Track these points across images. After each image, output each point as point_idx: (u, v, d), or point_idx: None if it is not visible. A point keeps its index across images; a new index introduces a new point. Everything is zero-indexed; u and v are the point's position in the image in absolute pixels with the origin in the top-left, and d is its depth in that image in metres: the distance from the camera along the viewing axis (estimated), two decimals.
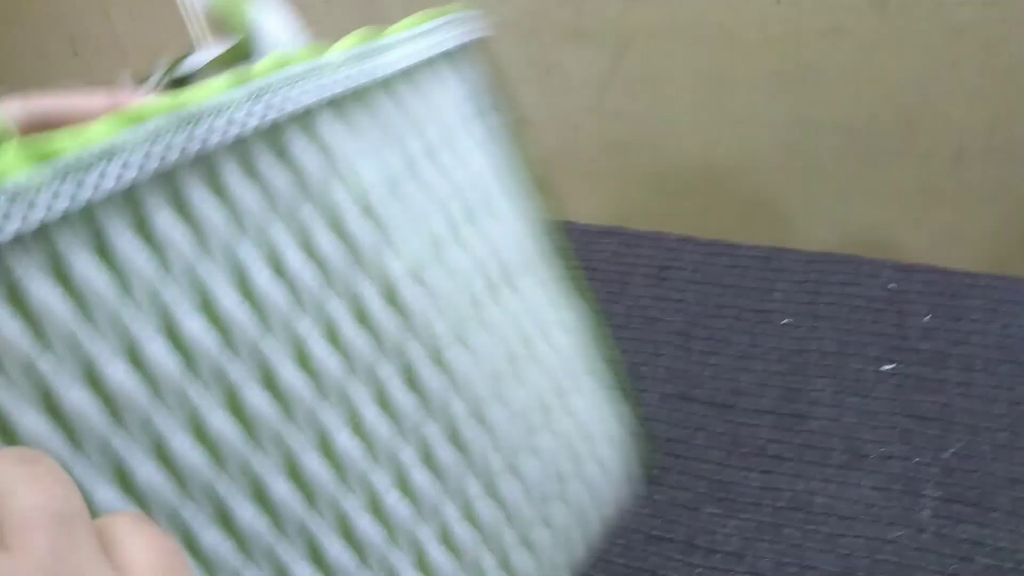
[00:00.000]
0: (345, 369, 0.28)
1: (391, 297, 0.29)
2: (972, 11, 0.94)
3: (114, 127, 0.23)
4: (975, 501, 0.55)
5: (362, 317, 0.28)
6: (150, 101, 0.24)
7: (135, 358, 0.23)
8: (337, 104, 0.28)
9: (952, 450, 0.58)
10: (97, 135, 0.22)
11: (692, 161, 1.19)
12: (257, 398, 0.25)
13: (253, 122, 0.25)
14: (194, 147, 0.24)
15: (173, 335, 0.24)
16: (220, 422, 0.25)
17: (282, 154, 0.26)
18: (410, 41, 0.32)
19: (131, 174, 0.22)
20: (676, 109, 1.15)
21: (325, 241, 0.27)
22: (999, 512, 0.55)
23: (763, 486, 0.58)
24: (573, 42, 1.16)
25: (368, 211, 0.28)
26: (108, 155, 0.22)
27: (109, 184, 0.22)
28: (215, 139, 0.24)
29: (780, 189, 1.16)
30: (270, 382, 0.26)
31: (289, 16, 0.32)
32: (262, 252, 0.25)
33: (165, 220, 0.24)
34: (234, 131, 0.24)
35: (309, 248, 0.26)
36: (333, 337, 0.27)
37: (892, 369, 0.64)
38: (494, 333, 0.33)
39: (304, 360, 0.27)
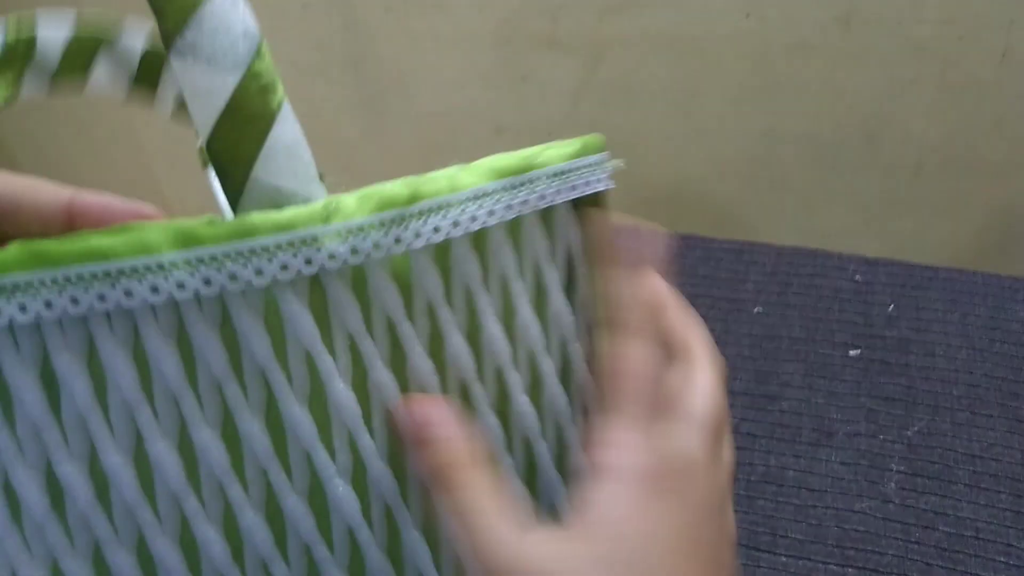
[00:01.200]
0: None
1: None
2: (931, 29, 0.99)
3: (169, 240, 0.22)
4: (937, 475, 0.58)
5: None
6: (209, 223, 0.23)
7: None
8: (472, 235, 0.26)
9: (915, 428, 0.61)
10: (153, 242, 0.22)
11: (663, 171, 1.22)
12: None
13: (383, 253, 0.24)
14: (309, 270, 0.23)
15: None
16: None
17: (400, 278, 0.25)
18: (551, 178, 0.30)
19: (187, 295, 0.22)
20: (648, 120, 1.19)
21: (421, 359, 0.26)
22: (959, 484, 0.57)
23: (738, 462, 0.61)
24: (548, 51, 1.19)
25: (471, 336, 0.27)
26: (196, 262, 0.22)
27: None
28: (334, 266, 0.23)
29: (748, 198, 1.20)
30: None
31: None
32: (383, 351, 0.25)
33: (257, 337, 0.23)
34: (358, 260, 0.24)
35: (398, 363, 0.26)
36: None
37: (858, 354, 0.67)
38: None
39: None
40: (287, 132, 0.25)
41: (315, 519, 0.26)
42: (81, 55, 0.34)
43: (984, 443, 0.60)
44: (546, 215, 0.29)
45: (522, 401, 0.29)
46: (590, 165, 0.32)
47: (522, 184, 0.27)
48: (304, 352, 0.24)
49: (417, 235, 0.25)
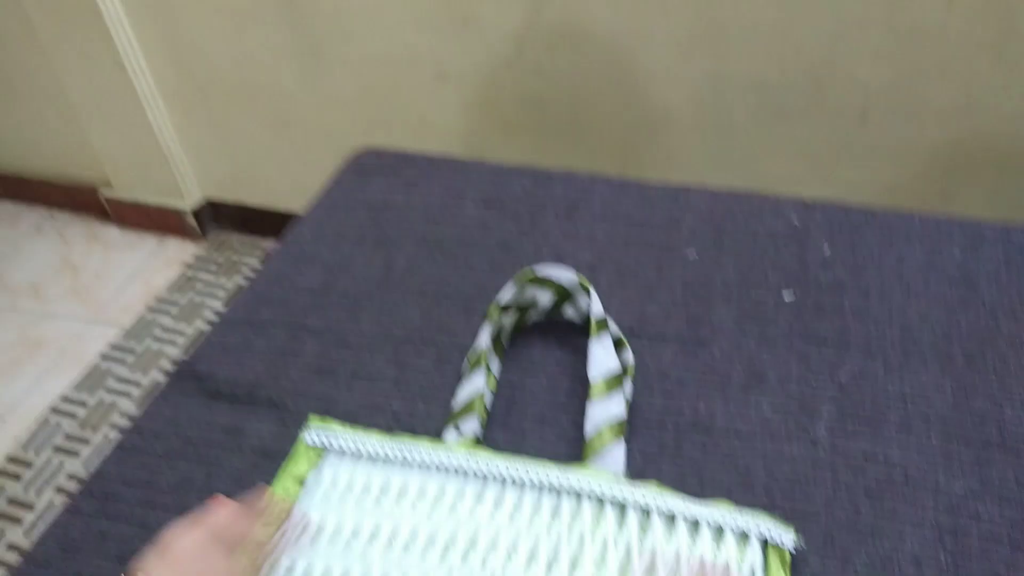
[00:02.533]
0: None
1: None
2: None
3: None
4: (868, 418, 0.57)
5: None
6: None
7: None
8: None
9: (847, 371, 0.60)
10: None
11: (609, 118, 1.19)
12: None
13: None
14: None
15: None
16: None
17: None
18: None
19: None
20: (593, 65, 1.15)
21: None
22: (890, 427, 0.56)
23: (665, 408, 0.59)
24: None
25: None
26: None
27: None
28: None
29: (693, 144, 1.17)
30: None
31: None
32: None
33: None
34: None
35: None
36: None
37: (792, 297, 0.65)
38: None
39: None
40: None
41: None
42: (558, 306, 0.64)
43: (916, 385, 0.58)
44: None
45: None
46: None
47: None
48: None
49: None
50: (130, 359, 1.60)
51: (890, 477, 0.54)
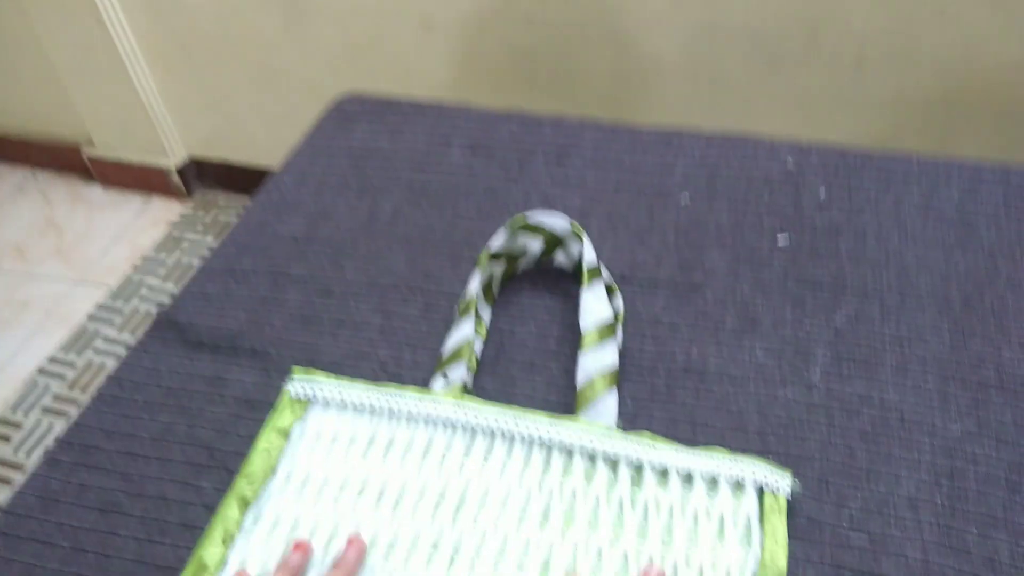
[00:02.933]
0: None
1: None
2: None
3: None
4: (863, 360, 0.56)
5: None
6: None
7: None
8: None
9: (843, 315, 0.58)
10: None
11: (599, 68, 1.16)
12: None
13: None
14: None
15: None
16: None
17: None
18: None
19: None
20: (586, 14, 1.12)
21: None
22: (886, 369, 0.55)
23: (658, 353, 0.57)
24: None
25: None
26: None
27: None
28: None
29: (686, 94, 1.15)
30: None
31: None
32: None
33: None
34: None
35: None
36: None
37: (787, 241, 0.64)
38: None
39: None
40: None
41: None
42: (549, 252, 0.63)
43: (913, 327, 0.57)
44: None
45: None
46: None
47: None
48: None
49: None
50: (117, 319, 1.58)
51: (886, 420, 0.53)
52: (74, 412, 1.40)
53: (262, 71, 1.44)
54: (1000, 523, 0.47)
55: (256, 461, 0.50)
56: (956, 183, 0.66)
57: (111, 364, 1.48)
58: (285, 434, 0.52)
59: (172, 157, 1.77)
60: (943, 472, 0.50)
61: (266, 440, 0.52)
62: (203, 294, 0.64)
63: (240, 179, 1.75)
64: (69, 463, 0.54)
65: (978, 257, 0.61)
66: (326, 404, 0.53)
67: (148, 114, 1.66)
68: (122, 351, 1.50)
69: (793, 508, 0.48)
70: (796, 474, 0.49)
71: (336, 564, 0.45)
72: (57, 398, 1.43)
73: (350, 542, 0.46)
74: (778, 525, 0.45)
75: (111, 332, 1.55)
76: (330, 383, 0.54)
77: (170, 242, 1.79)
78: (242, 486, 0.49)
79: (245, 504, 0.49)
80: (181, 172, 1.80)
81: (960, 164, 0.68)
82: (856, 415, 0.53)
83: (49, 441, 1.36)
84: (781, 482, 0.47)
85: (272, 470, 0.51)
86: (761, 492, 0.47)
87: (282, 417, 0.53)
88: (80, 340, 1.57)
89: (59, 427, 1.38)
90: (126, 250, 1.78)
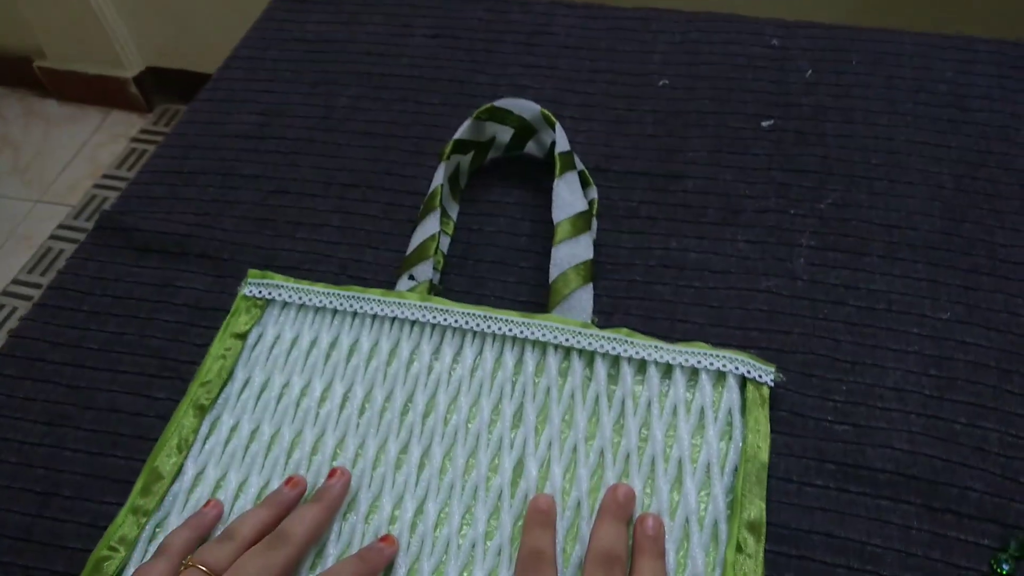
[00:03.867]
0: None
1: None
2: None
3: None
4: (850, 248, 0.53)
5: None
6: None
7: None
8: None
9: (829, 201, 0.55)
10: None
11: None
12: None
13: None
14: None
15: None
16: None
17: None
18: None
19: None
20: None
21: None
22: (873, 257, 0.52)
23: (635, 247, 0.54)
24: None
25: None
26: None
27: None
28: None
29: None
30: None
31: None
32: None
33: None
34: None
35: None
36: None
37: (771, 125, 0.60)
38: None
39: None
40: None
41: None
42: (520, 142, 0.59)
43: (902, 212, 0.54)
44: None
45: None
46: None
47: None
48: None
49: None
50: (82, 239, 1.53)
51: (872, 309, 0.50)
52: None
53: None
54: (989, 412, 0.46)
55: (212, 367, 0.48)
56: (950, 60, 0.62)
57: None
58: (242, 339, 0.49)
59: (129, 67, 1.69)
60: (931, 361, 0.48)
61: (221, 345, 0.48)
62: (148, 197, 0.60)
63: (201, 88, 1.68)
64: (12, 376, 0.51)
65: (971, 138, 0.58)
66: (285, 307, 0.50)
67: (100, 22, 1.57)
68: None
69: (776, 401, 0.46)
70: (779, 367, 0.47)
71: (318, 495, 0.42)
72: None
73: (333, 473, 0.43)
74: (760, 417, 0.43)
75: None
76: (288, 285, 0.50)
77: (132, 157, 1.72)
78: (198, 393, 0.47)
79: (202, 411, 0.46)
80: (140, 83, 1.72)
81: (954, 39, 0.64)
82: (841, 305, 0.51)
83: None
84: (764, 374, 0.45)
85: (229, 376, 0.48)
86: (743, 384, 0.45)
87: (238, 321, 0.50)
88: (44, 261, 1.52)
89: None
90: (86, 167, 1.71)
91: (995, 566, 0.41)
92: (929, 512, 0.42)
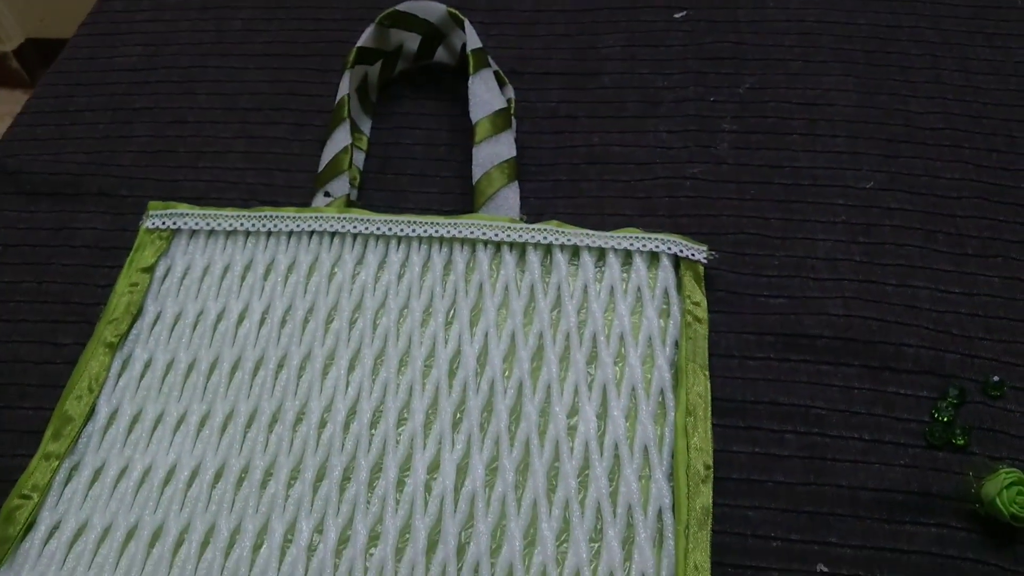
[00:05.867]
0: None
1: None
2: None
3: None
4: (771, 129, 0.53)
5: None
6: None
7: None
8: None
9: (747, 85, 0.55)
10: None
11: None
12: None
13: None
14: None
15: None
16: None
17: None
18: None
19: None
20: None
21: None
22: (795, 135, 0.52)
23: (557, 147, 0.53)
24: None
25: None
26: None
27: None
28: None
29: None
30: None
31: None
32: None
33: None
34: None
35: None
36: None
37: (684, 16, 0.59)
38: None
39: None
40: None
41: None
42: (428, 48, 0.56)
43: (819, 90, 0.54)
44: None
45: None
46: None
47: None
48: None
49: None
50: None
51: (798, 185, 0.50)
52: None
53: None
54: (918, 271, 0.46)
55: (119, 303, 0.44)
56: None
57: None
58: (149, 272, 0.46)
59: (7, 41, 1.57)
60: (859, 229, 0.48)
61: (127, 281, 0.45)
62: (33, 138, 0.55)
63: None
64: None
65: (880, 13, 0.58)
66: (193, 236, 0.47)
67: None
68: None
69: (711, 281, 0.46)
70: (711, 247, 0.47)
71: None
72: None
73: None
74: (696, 293, 0.43)
75: None
76: (195, 212, 0.47)
77: None
78: (105, 331, 0.43)
79: (111, 349, 0.43)
80: (20, 56, 1.60)
81: None
82: (768, 184, 0.50)
83: None
84: (696, 252, 0.44)
85: (139, 311, 0.45)
86: (677, 264, 0.44)
87: (143, 256, 0.46)
88: None
89: None
90: None
91: (936, 415, 0.41)
92: (868, 371, 0.43)
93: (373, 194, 0.51)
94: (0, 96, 1.67)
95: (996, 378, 0.42)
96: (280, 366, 0.42)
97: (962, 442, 0.40)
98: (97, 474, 0.40)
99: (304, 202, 0.51)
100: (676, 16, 0.59)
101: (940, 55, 0.56)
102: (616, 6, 0.60)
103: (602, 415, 0.39)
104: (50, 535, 0.38)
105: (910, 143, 0.51)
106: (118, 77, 0.58)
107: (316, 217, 0.46)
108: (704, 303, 0.43)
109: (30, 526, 0.38)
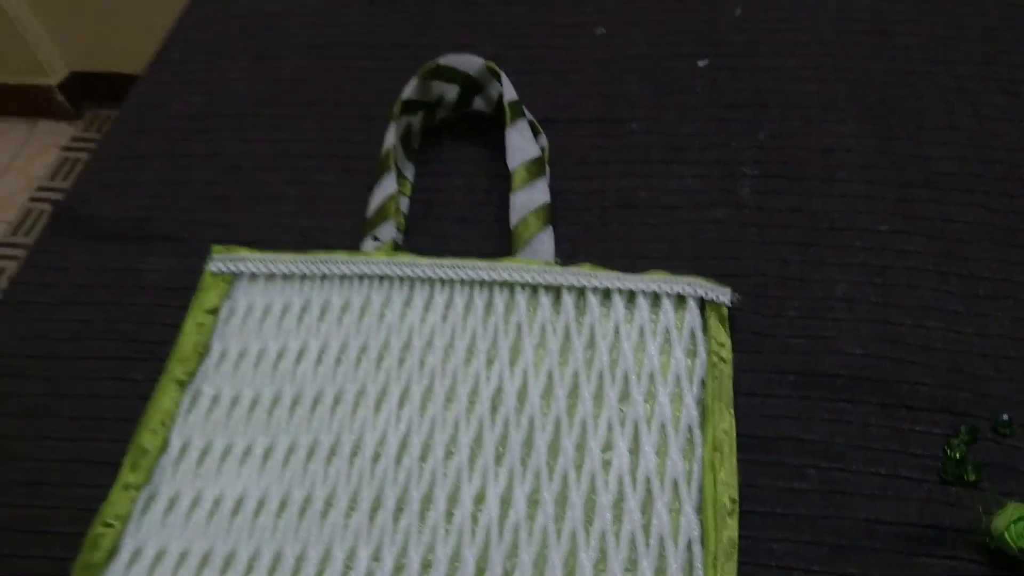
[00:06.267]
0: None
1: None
2: None
3: None
4: (790, 174, 0.56)
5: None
6: None
7: None
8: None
9: (766, 131, 0.58)
10: None
11: None
12: None
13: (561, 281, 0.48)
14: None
15: None
16: None
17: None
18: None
19: None
20: None
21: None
22: (813, 180, 0.55)
23: (587, 191, 0.56)
24: None
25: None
26: None
27: None
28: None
29: None
30: None
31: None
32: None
33: None
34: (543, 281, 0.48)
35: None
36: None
37: (706, 64, 0.62)
38: None
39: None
40: None
41: None
42: (466, 98, 0.60)
43: (836, 136, 0.57)
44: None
45: None
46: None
47: None
48: None
49: None
50: (23, 256, 1.50)
51: (816, 228, 0.53)
52: None
53: None
54: (932, 312, 0.49)
55: (187, 343, 0.48)
56: None
57: None
58: (214, 313, 0.50)
59: (52, 74, 1.63)
60: (875, 271, 0.51)
61: (194, 321, 0.49)
62: (101, 184, 0.59)
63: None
64: None
65: (895, 60, 0.61)
66: (252, 279, 0.51)
67: (17, 28, 1.52)
68: None
69: (734, 322, 0.49)
70: (734, 289, 0.50)
71: None
72: None
73: None
74: (722, 334, 0.46)
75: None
76: (254, 257, 0.51)
77: (66, 167, 1.67)
78: (176, 369, 0.47)
79: (181, 386, 0.47)
80: (65, 90, 1.66)
81: None
82: (787, 227, 0.53)
83: None
84: (721, 295, 0.47)
85: (205, 350, 0.48)
86: (703, 306, 0.47)
87: (208, 297, 0.50)
88: None
89: None
90: (19, 181, 1.66)
91: (949, 452, 0.44)
92: (884, 409, 0.46)
93: (417, 238, 0.55)
94: (46, 128, 1.73)
95: (1006, 417, 0.45)
96: (336, 402, 0.46)
97: (974, 478, 0.43)
98: (172, 503, 0.43)
99: (352, 243, 0.54)
100: (699, 64, 0.62)
101: (953, 101, 0.58)
102: (642, 55, 0.63)
103: (634, 450, 0.43)
104: (132, 561, 0.41)
105: (924, 188, 0.54)
106: (178, 124, 0.62)
107: (366, 261, 0.50)
108: (728, 344, 0.46)
109: (113, 552, 0.42)
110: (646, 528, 0.40)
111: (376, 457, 0.43)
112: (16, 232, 1.54)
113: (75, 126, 1.71)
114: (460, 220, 0.56)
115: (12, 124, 1.72)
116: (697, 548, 0.39)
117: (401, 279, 0.49)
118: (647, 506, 0.41)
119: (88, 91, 1.68)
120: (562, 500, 0.41)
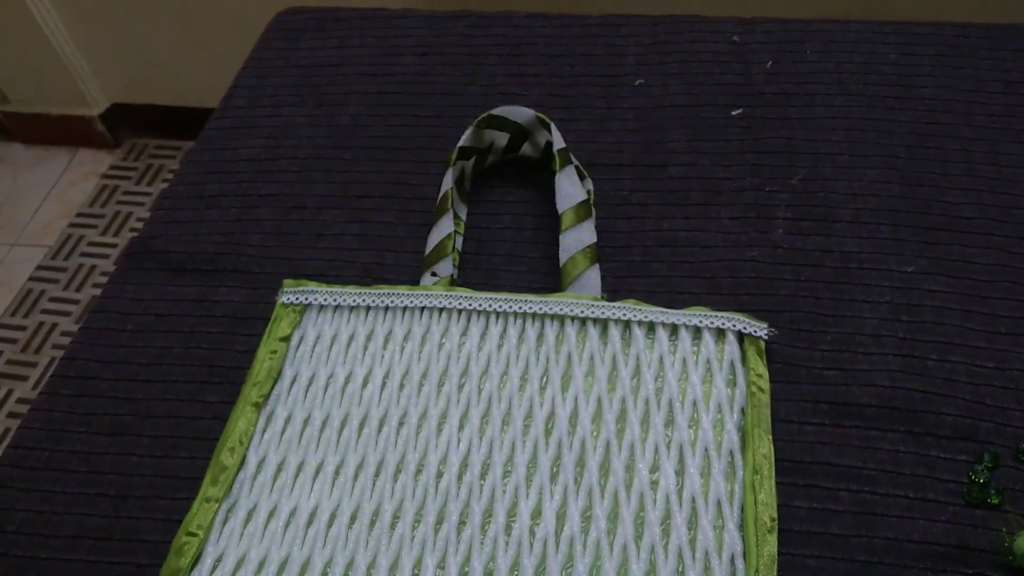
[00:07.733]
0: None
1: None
2: None
3: None
4: (821, 217, 0.59)
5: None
6: None
7: None
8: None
9: (799, 177, 0.62)
10: None
11: None
12: None
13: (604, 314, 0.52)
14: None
15: None
16: None
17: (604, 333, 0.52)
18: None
19: None
20: None
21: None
22: (843, 223, 0.59)
23: (630, 231, 0.60)
24: None
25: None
26: None
27: None
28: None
29: None
30: None
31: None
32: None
33: None
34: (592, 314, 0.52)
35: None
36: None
37: (740, 113, 0.66)
38: None
39: None
40: None
41: None
42: (515, 145, 0.64)
43: (864, 182, 0.61)
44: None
45: None
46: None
47: None
48: None
49: None
50: (62, 278, 1.55)
51: (846, 268, 0.57)
52: (33, 374, 1.38)
53: (177, 2, 1.38)
54: (956, 347, 0.52)
55: (261, 368, 0.52)
56: (892, 43, 0.70)
57: (64, 323, 1.46)
58: (286, 341, 0.53)
59: (94, 105, 1.70)
60: (902, 309, 0.54)
61: (267, 348, 0.53)
62: (174, 220, 0.64)
63: (169, 122, 1.70)
64: (69, 395, 0.55)
65: (919, 111, 0.65)
66: (321, 310, 0.55)
67: (62, 61, 1.59)
68: (72, 308, 1.47)
69: (771, 355, 0.52)
70: (770, 324, 0.53)
71: None
72: (12, 363, 1.40)
73: None
74: (759, 365, 0.49)
75: (57, 291, 1.52)
76: (323, 290, 0.55)
77: (104, 194, 1.73)
78: (251, 392, 0.51)
79: (257, 408, 0.50)
80: (106, 120, 1.73)
81: (895, 25, 0.71)
82: (819, 267, 0.57)
83: (11, 405, 1.35)
84: (758, 329, 0.51)
85: (278, 375, 0.52)
86: (741, 339, 0.51)
87: (280, 326, 0.54)
88: (26, 303, 1.53)
89: (18, 392, 1.37)
90: (58, 207, 1.72)
91: (973, 477, 0.47)
92: (912, 437, 0.49)
93: (470, 272, 0.59)
94: (86, 157, 1.80)
95: None
96: (401, 423, 0.49)
97: (996, 501, 0.46)
98: (250, 515, 0.47)
99: (411, 278, 0.58)
100: (733, 114, 0.66)
101: (974, 150, 0.62)
102: (679, 104, 0.67)
103: (680, 472, 0.46)
104: (214, 567, 0.45)
105: (947, 231, 0.58)
106: (244, 167, 0.67)
107: (427, 295, 0.54)
108: (766, 375, 0.49)
109: (196, 559, 0.45)
110: (692, 543, 0.43)
111: (439, 474, 0.47)
112: (55, 256, 1.59)
113: (114, 155, 1.78)
114: (509, 256, 0.60)
115: (54, 153, 1.79)
116: (740, 563, 0.42)
117: (459, 311, 0.53)
118: (693, 523, 0.44)
119: (127, 121, 1.74)
120: (614, 516, 0.45)
